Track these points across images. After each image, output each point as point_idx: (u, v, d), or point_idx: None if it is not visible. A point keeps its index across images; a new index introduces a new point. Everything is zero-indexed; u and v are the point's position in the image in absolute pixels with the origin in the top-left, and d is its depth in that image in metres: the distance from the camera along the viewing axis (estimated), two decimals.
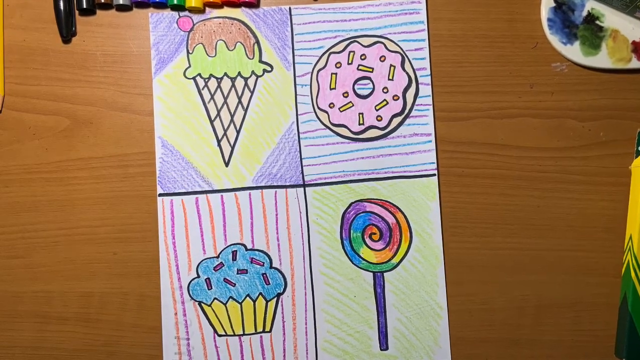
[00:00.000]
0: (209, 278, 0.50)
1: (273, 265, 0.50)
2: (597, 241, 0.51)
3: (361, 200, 0.50)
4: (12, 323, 0.50)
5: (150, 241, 0.50)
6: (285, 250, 0.50)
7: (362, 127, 0.50)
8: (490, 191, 0.51)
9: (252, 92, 0.50)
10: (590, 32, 0.50)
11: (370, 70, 0.50)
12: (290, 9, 0.50)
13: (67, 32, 0.49)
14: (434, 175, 0.50)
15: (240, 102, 0.50)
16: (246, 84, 0.50)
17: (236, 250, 0.50)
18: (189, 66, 0.50)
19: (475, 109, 0.51)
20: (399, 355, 0.50)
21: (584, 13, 0.50)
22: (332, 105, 0.50)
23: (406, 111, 0.50)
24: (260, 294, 0.50)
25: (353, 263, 0.50)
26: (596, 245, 0.51)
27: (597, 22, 0.50)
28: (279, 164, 0.50)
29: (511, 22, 0.51)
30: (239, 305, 0.50)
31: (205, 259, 0.50)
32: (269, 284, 0.50)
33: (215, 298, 0.50)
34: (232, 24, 0.50)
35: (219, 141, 0.50)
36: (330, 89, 0.50)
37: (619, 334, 0.50)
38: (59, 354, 0.50)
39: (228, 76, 0.50)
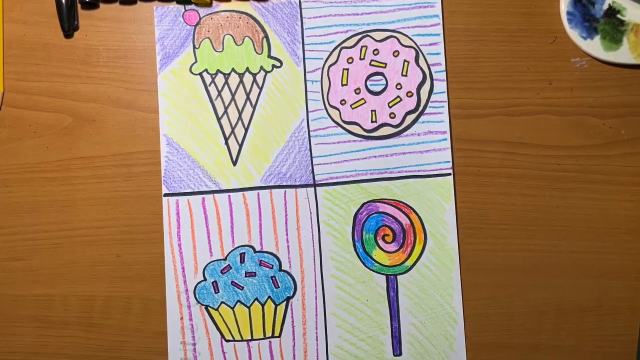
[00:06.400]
0: (216, 281, 0.48)
1: (282, 268, 0.49)
2: (619, 243, 0.49)
3: (374, 201, 0.49)
4: (12, 327, 0.49)
5: (155, 243, 0.48)
6: (295, 252, 0.49)
7: (375, 125, 0.49)
8: (508, 191, 0.49)
9: (260, 89, 0.49)
10: (611, 26, 0.49)
11: (383, 65, 0.49)
12: (300, 2, 0.49)
13: (69, 26, 0.48)
14: (449, 174, 0.49)
15: (248, 98, 0.49)
16: (254, 80, 0.49)
17: (244, 253, 0.48)
18: (196, 61, 0.49)
19: (491, 106, 0.49)
20: None
21: (605, 6, 0.49)
22: (343, 102, 0.49)
23: (420, 108, 0.49)
24: (269, 297, 0.48)
25: (365, 265, 0.49)
26: (618, 247, 0.49)
27: (618, 15, 0.49)
28: (289, 163, 0.49)
29: (529, 16, 0.49)
30: (247, 310, 0.48)
31: (212, 261, 0.48)
32: (278, 287, 0.49)
33: (222, 302, 0.48)
34: (240, 18, 0.49)
35: (226, 139, 0.49)
36: (342, 85, 0.49)
37: None
38: None
39: (236, 72, 0.49)
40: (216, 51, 0.49)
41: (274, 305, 0.49)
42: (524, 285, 0.49)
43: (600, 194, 0.49)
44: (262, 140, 0.49)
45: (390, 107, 0.49)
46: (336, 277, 0.49)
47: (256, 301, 0.49)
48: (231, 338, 0.48)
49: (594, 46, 0.49)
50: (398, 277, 0.49)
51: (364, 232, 0.49)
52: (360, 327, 0.49)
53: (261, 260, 0.49)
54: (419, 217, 0.49)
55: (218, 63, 0.49)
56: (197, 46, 0.49)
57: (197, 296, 0.48)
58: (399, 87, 0.49)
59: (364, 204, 0.49)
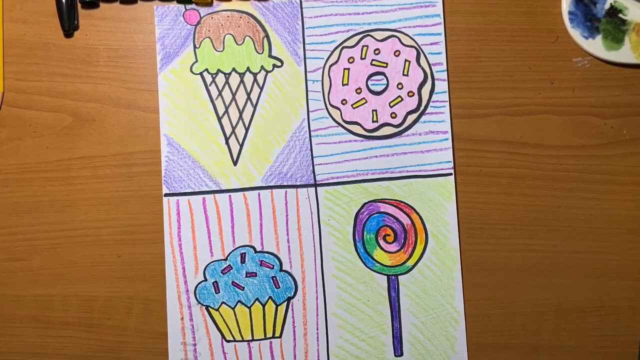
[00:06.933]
0: (216, 281, 0.48)
1: (283, 268, 0.48)
2: (621, 243, 0.49)
3: (375, 201, 0.49)
4: (12, 328, 0.49)
5: (155, 243, 0.48)
6: (296, 252, 0.48)
7: (376, 125, 0.49)
8: (509, 191, 0.49)
9: (261, 88, 0.49)
10: (613, 25, 0.48)
11: (385, 65, 0.49)
12: (301, 1, 0.49)
13: (69, 25, 0.48)
14: (451, 174, 0.49)
15: (249, 98, 0.48)
16: (255, 80, 0.49)
17: (245, 253, 0.48)
18: (196, 61, 0.48)
19: (493, 106, 0.49)
20: None
21: (606, 6, 0.48)
22: (344, 101, 0.49)
23: (421, 108, 0.49)
24: (270, 298, 0.48)
25: (366, 266, 0.49)
26: (619, 248, 0.49)
27: (620, 15, 0.48)
28: (290, 163, 0.48)
29: (531, 16, 0.49)
30: (247, 310, 0.48)
31: (212, 261, 0.48)
32: (279, 287, 0.48)
33: (223, 302, 0.48)
34: (240, 18, 0.49)
35: (227, 139, 0.48)
36: (343, 84, 0.49)
37: None
38: None
39: (236, 71, 0.48)
40: (217, 51, 0.48)
41: (274, 306, 0.48)
42: (525, 286, 0.49)
43: (601, 194, 0.49)
44: (263, 140, 0.49)
45: (391, 106, 0.49)
46: (337, 278, 0.49)
47: (257, 301, 0.48)
48: (232, 338, 0.48)
49: (596, 46, 0.48)
50: (399, 277, 0.49)
51: (365, 232, 0.49)
52: (361, 328, 0.49)
53: (262, 260, 0.48)
54: (420, 217, 0.49)
55: (219, 63, 0.48)
56: (197, 46, 0.48)
57: (197, 296, 0.48)
58: (400, 86, 0.49)
59: (365, 204, 0.49)
